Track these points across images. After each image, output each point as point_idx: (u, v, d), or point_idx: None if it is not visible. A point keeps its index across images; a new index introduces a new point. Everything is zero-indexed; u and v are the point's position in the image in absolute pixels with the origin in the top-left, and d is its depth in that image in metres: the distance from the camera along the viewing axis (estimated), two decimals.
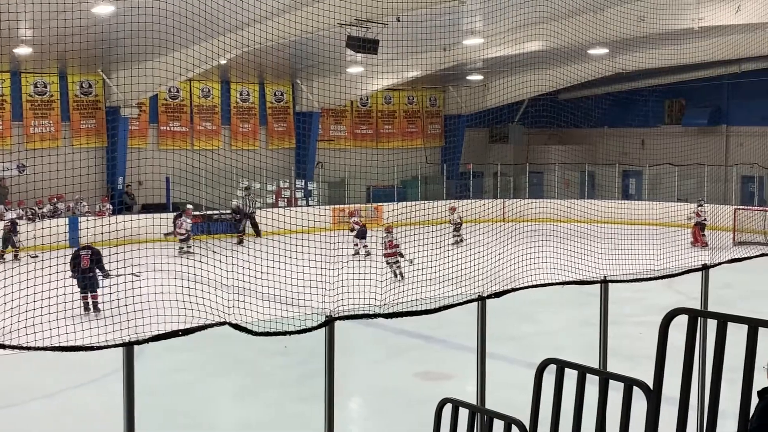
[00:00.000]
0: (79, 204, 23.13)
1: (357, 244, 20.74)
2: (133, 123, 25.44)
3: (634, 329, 12.22)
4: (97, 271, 13.77)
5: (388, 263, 16.86)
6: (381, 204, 27.50)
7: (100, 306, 13.07)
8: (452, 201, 25.54)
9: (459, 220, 23.12)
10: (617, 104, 29.38)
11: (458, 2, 16.08)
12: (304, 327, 5.75)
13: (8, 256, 20.46)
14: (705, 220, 22.72)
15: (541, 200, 26.21)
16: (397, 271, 16.67)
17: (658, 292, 14.89)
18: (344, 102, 29.43)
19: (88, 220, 22.04)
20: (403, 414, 9.31)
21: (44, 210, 22.64)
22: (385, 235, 18.18)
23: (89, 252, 13.98)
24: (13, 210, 22.24)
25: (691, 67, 26.12)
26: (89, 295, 13.54)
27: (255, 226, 23.88)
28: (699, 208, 22.95)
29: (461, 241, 21.27)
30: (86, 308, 13.34)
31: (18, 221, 20.91)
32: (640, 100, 28.28)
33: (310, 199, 28.55)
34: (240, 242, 22.31)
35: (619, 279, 8.50)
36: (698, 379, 6.94)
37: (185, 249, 21.24)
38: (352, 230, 21.66)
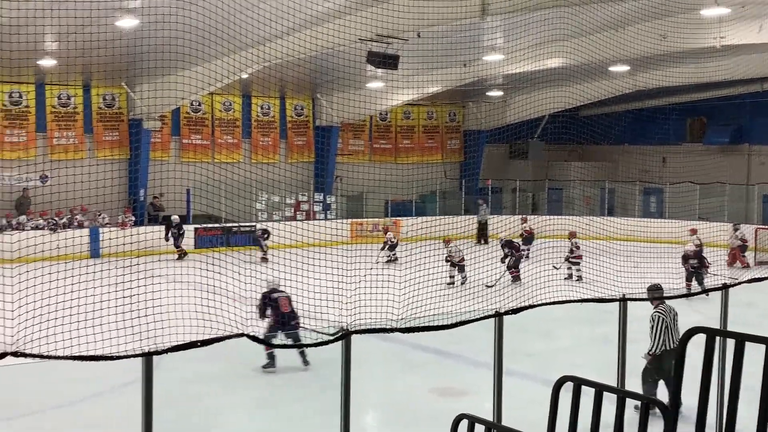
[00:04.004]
0: (98, 216, 23.35)
1: (389, 256, 21.64)
2: (156, 135, 25.68)
3: None
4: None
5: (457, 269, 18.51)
6: (399, 218, 27.57)
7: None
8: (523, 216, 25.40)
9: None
10: (638, 121, 29.26)
11: (479, 18, 16.12)
12: (320, 340, 5.78)
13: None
14: (746, 241, 22.31)
15: (560, 217, 26.17)
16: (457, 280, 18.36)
17: (677, 311, 14.79)
18: (363, 117, 29.54)
19: (110, 231, 22.32)
20: (419, 429, 9.29)
21: (64, 221, 22.86)
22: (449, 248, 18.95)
23: (286, 295, 11.36)
24: (33, 220, 22.49)
25: (713, 86, 25.99)
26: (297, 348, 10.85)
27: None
28: (737, 232, 22.39)
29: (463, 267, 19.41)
30: (270, 360, 10.88)
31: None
32: (660, 117, 28.16)
33: (328, 212, 28.63)
34: (180, 257, 22.61)
35: (638, 297, 8.46)
36: (716, 399, 6.89)
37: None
38: (384, 244, 22.63)
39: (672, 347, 9.36)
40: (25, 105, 24.06)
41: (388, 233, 23.61)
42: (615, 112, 29.98)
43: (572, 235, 20.06)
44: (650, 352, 9.49)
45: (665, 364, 9.32)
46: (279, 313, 11.03)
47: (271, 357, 10.93)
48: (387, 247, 22.53)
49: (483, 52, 20.98)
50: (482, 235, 27.67)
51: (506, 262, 18.93)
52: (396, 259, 20.08)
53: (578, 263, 18.93)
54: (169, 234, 23.28)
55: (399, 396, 10.75)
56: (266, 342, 5.63)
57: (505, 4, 15.02)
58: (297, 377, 11.12)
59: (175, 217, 23.56)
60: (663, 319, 9.51)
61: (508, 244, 19.44)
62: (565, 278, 18.06)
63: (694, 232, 20.22)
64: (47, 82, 24.04)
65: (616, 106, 29.35)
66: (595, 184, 30.55)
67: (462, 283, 18.27)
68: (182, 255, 22.80)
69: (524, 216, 24.92)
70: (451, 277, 18.62)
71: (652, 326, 9.51)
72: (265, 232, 23.35)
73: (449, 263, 18.61)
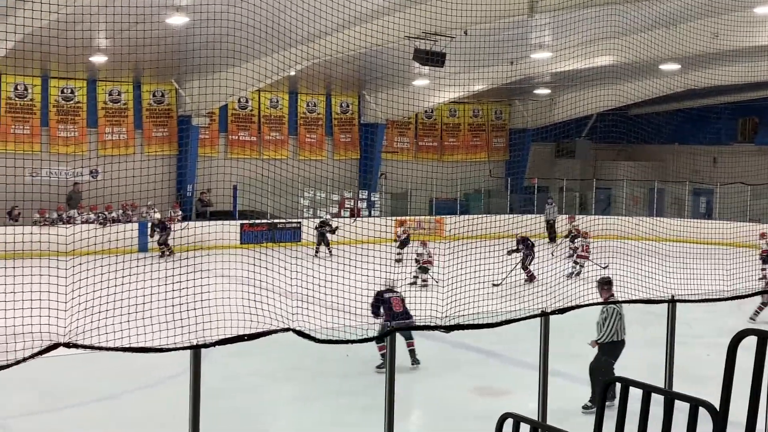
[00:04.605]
0: (150, 210, 23.69)
1: (399, 253, 20.78)
2: (204, 132, 26.00)
3: (701, 350, 11.94)
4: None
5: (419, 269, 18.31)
6: (443, 216, 27.53)
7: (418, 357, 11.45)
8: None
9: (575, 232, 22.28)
10: (688, 121, 28.79)
11: (527, 16, 16.01)
12: (365, 336, 5.81)
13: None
14: None
15: (608, 217, 25.89)
16: (420, 280, 18.10)
17: (727, 313, 14.54)
18: (409, 114, 29.54)
19: (160, 225, 22.65)
20: (461, 428, 9.28)
21: (113, 215, 23.27)
22: (421, 251, 18.86)
23: (398, 295, 11.65)
24: (84, 214, 22.94)
25: (766, 85, 25.47)
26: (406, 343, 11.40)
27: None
28: None
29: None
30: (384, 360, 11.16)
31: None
32: (712, 117, 27.68)
33: (373, 209, 28.71)
34: (162, 255, 21.65)
35: (687, 299, 8.35)
36: (766, 403, 6.76)
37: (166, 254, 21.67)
38: (396, 240, 22.16)
39: (621, 339, 9.56)
40: (77, 101, 24.55)
41: (400, 228, 23.06)
42: (665, 111, 29.53)
43: (585, 235, 20.54)
44: (598, 341, 9.63)
45: (618, 353, 9.55)
46: (392, 312, 11.25)
47: (385, 357, 11.02)
48: (398, 244, 21.72)
49: (530, 50, 20.83)
50: (551, 233, 27.61)
51: (522, 261, 18.74)
52: (401, 260, 19.45)
53: (582, 262, 19.40)
54: (154, 232, 22.58)
55: (442, 394, 10.75)
56: (312, 338, 5.67)
57: (554, 2, 14.90)
58: (340, 374, 11.18)
59: (155, 215, 22.91)
60: (617, 310, 9.56)
61: (522, 241, 19.05)
62: (568, 275, 18.25)
63: (764, 236, 19.98)
64: (99, 79, 24.49)
65: (666, 105, 28.90)
66: (644, 184, 30.14)
67: (423, 286, 17.83)
68: (165, 253, 21.77)
69: (571, 215, 24.63)
70: (415, 277, 18.38)
71: (606, 317, 9.57)
72: (326, 225, 23.41)
73: (416, 262, 18.76)
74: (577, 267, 19.46)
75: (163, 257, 21.20)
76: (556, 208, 28.61)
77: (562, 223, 25.56)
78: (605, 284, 10.00)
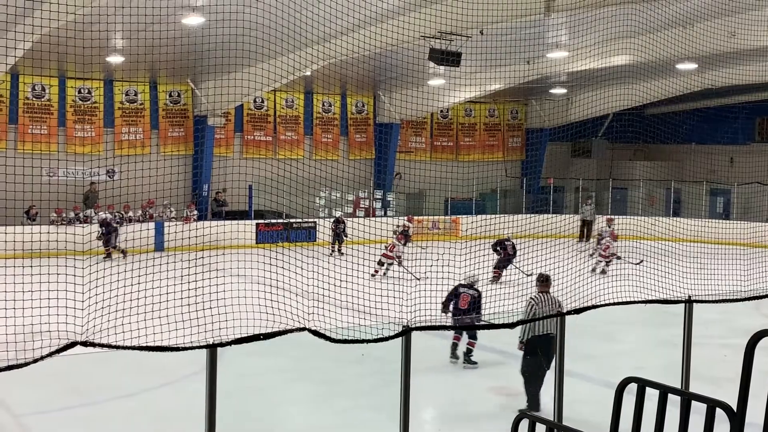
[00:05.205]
0: (167, 209, 23.79)
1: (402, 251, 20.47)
2: (219, 132, 26.11)
3: (718, 351, 11.87)
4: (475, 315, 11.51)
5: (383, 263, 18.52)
6: (458, 216, 27.49)
7: (474, 357, 11.53)
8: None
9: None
10: (705, 120, 28.60)
11: (543, 15, 15.97)
12: (381, 336, 5.81)
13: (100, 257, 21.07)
14: None
15: (624, 216, 25.76)
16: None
17: (744, 314, 14.44)
18: (424, 114, 29.52)
19: (175, 225, 22.75)
20: (477, 428, 9.26)
21: (131, 215, 23.38)
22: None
23: (475, 294, 11.60)
24: (102, 212, 23.04)
25: None
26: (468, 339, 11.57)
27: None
28: None
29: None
30: (453, 354, 11.62)
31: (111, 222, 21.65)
32: (729, 116, 27.48)
33: (388, 209, 28.72)
34: (108, 257, 20.72)
35: (704, 299, 8.30)
36: None
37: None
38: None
39: (540, 333, 9.19)
40: (93, 101, 24.70)
41: (409, 223, 22.83)
42: (682, 111, 29.35)
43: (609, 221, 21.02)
44: (521, 339, 9.49)
45: (546, 348, 9.11)
46: (457, 307, 11.37)
47: (457, 347, 11.56)
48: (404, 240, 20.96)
49: (547, 50, 20.77)
50: (586, 232, 27.55)
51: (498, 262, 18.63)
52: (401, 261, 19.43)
53: (609, 259, 19.43)
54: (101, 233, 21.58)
55: (457, 394, 10.74)
56: (328, 337, 5.68)
57: (570, 1, 14.85)
58: (354, 373, 11.19)
59: (101, 215, 22.17)
60: (532, 305, 9.45)
61: (498, 244, 18.91)
62: (591, 270, 18.05)
63: None
64: (115, 79, 24.64)
65: (683, 105, 28.72)
66: (660, 183, 29.97)
67: (384, 273, 18.24)
68: (109, 256, 20.80)
69: (610, 216, 24.32)
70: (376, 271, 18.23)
71: (526, 312, 9.51)
72: (341, 223, 23.35)
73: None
74: (602, 265, 19.55)
75: (108, 259, 20.13)
76: (594, 208, 28.43)
77: (598, 225, 25.49)
78: (539, 281, 9.79)
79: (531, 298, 9.63)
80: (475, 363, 11.49)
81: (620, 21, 15.62)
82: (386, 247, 19.14)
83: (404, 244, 20.22)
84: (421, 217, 26.95)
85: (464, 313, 11.27)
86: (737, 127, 28.26)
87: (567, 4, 15.13)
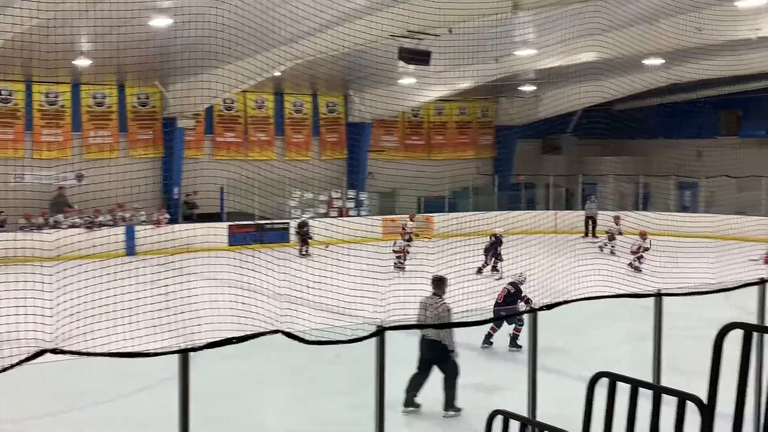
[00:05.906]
0: (137, 213, 23.58)
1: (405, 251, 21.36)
2: (189, 134, 25.92)
3: (688, 343, 11.99)
4: (520, 303, 12.22)
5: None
6: (431, 215, 27.55)
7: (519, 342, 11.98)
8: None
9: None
10: (673, 115, 28.91)
11: (510, 14, 16.04)
12: (355, 336, 5.79)
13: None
14: None
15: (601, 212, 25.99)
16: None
17: (714, 306, 14.59)
18: (396, 113, 29.54)
19: (145, 229, 22.57)
20: (454, 425, 9.28)
21: (101, 219, 23.15)
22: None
23: (512, 289, 12.49)
24: (70, 218, 22.79)
25: (749, 78, 25.60)
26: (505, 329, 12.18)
27: None
28: None
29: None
30: (487, 341, 12.33)
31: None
32: (694, 110, 27.81)
33: (361, 209, 28.69)
34: None
35: (673, 292, 8.38)
36: (753, 395, 6.80)
37: None
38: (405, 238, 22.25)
39: (427, 337, 9.50)
40: (61, 105, 24.41)
41: (411, 223, 23.22)
42: (649, 106, 29.64)
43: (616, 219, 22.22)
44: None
45: (422, 353, 9.50)
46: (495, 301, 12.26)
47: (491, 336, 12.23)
48: (407, 238, 21.72)
49: (515, 47, 20.87)
50: (591, 229, 27.75)
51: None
52: (403, 262, 19.89)
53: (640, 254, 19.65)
54: None
55: (433, 391, 10.75)
56: (301, 339, 5.65)
57: None
58: (329, 374, 11.17)
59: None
60: (420, 308, 9.72)
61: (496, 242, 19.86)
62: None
63: None
64: (82, 82, 24.37)
65: (650, 100, 29.01)
66: (629, 178, 30.24)
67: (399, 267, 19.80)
68: None
69: (617, 215, 24.44)
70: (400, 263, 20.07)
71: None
72: (306, 225, 23.50)
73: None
74: (635, 263, 19.74)
75: None
76: (597, 205, 28.56)
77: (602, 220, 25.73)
78: (433, 282, 10.01)
79: (420, 301, 9.85)
80: (520, 347, 11.85)
81: (586, 18, 15.75)
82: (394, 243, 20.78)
83: (407, 240, 21.24)
84: (393, 217, 26.96)
85: (501, 305, 12.10)
86: (702, 121, 28.59)
87: (533, 3, 15.21)
